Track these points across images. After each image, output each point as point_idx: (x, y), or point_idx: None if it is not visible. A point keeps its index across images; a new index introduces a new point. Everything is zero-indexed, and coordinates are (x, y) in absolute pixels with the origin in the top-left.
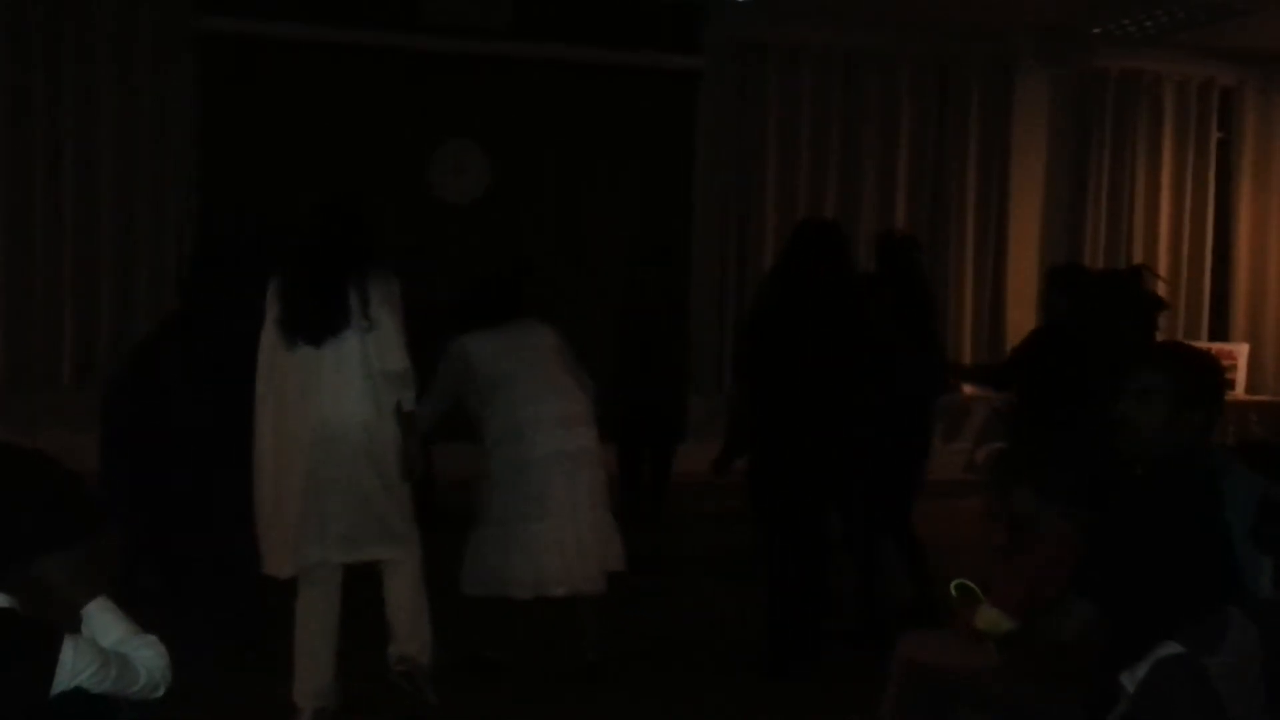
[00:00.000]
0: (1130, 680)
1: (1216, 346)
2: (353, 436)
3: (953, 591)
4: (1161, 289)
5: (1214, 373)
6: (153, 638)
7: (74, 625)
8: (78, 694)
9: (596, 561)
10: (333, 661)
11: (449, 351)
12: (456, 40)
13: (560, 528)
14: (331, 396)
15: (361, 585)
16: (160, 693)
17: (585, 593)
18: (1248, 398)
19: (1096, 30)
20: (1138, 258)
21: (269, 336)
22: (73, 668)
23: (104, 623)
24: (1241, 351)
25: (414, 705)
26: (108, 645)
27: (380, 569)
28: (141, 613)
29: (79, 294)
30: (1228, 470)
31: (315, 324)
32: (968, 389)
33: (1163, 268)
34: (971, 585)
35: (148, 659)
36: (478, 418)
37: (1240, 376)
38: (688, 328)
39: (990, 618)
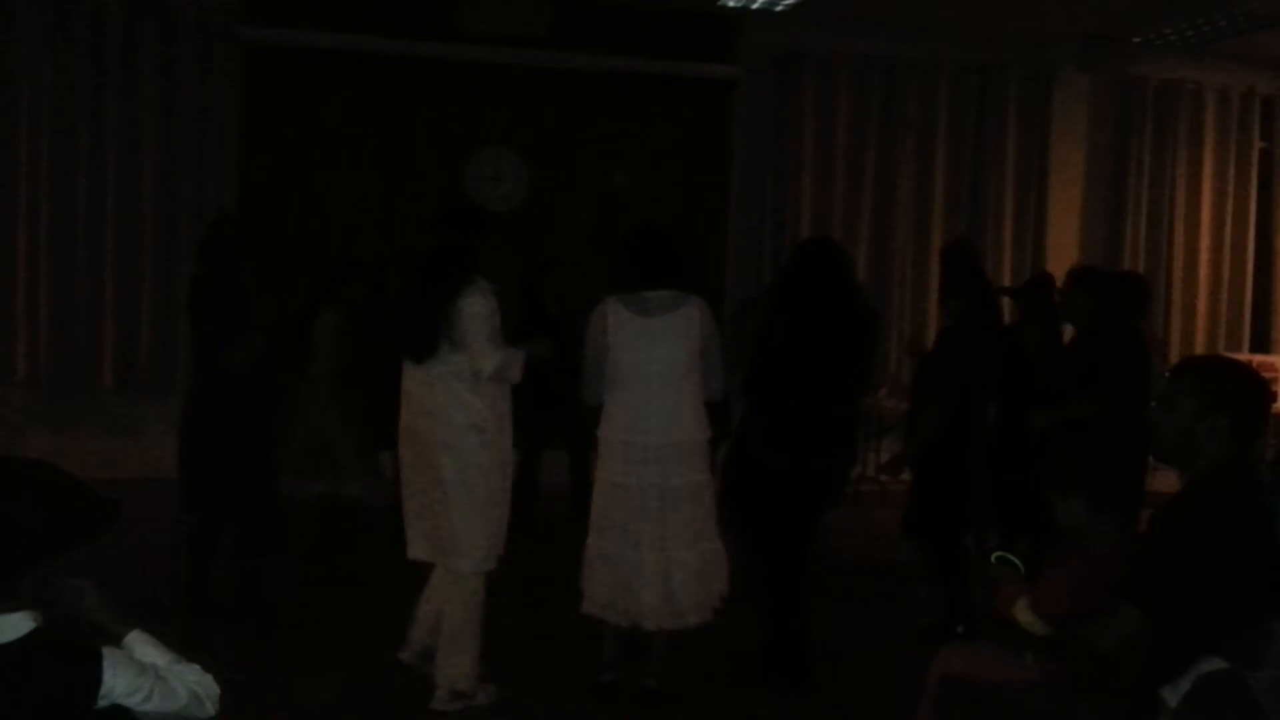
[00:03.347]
0: (1173, 695)
1: (1258, 358)
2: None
3: (993, 560)
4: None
5: (1243, 380)
6: (196, 666)
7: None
8: (118, 712)
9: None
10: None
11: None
12: (495, 50)
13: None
14: (429, 403)
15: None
16: (208, 712)
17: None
18: None
19: (1137, 39)
20: (1178, 268)
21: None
22: (111, 684)
23: (148, 653)
24: None
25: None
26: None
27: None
28: None
29: (121, 300)
30: (1277, 486)
31: (417, 346)
32: None
33: (1203, 278)
34: (1012, 558)
35: (190, 681)
36: None
37: None
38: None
39: (1027, 618)
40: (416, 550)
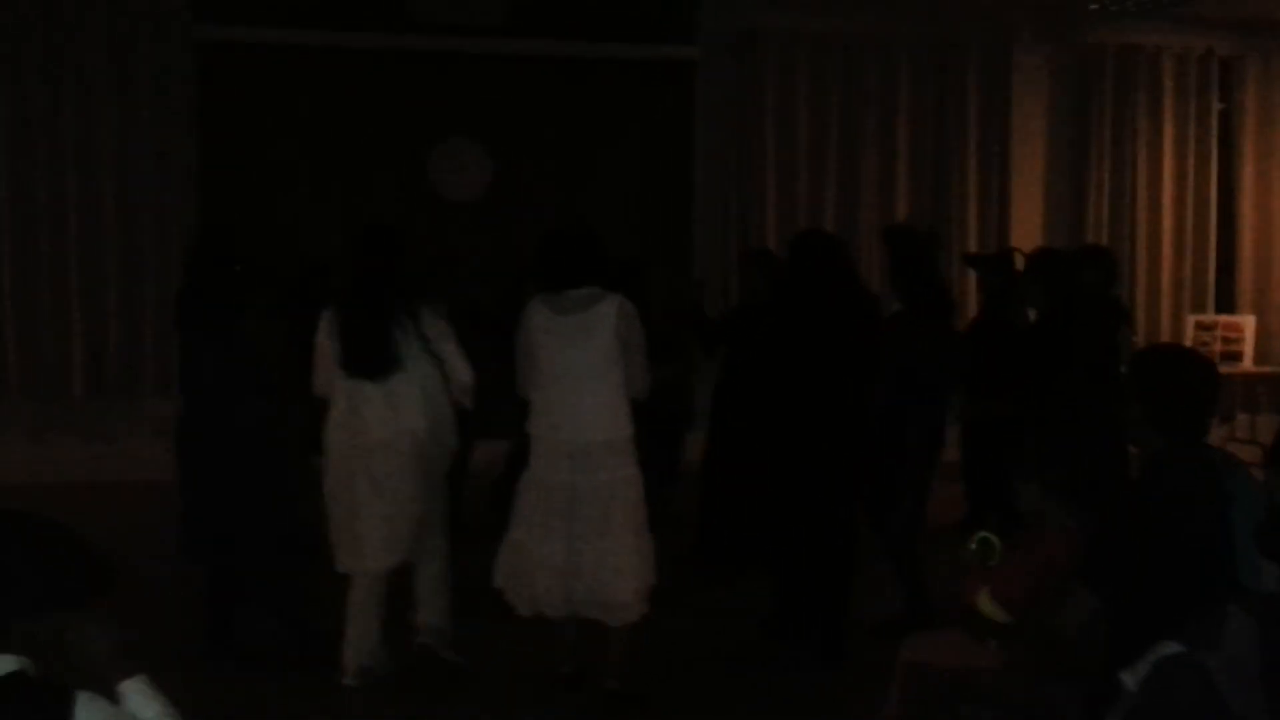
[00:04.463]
0: (1132, 679)
1: (1223, 319)
2: (402, 447)
3: (972, 545)
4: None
5: (1180, 369)
6: None
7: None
8: None
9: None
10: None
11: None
12: (451, 39)
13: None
14: (382, 410)
15: None
16: None
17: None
18: (1256, 370)
19: (1094, 5)
20: (1141, 232)
21: (326, 358)
22: None
23: (138, 703)
24: (1248, 323)
25: (444, 669)
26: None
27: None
28: None
29: (86, 304)
30: (1234, 470)
31: (373, 365)
32: None
33: (1167, 241)
34: (993, 540)
35: None
36: None
37: (1248, 349)
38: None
39: (989, 607)
40: (386, 560)
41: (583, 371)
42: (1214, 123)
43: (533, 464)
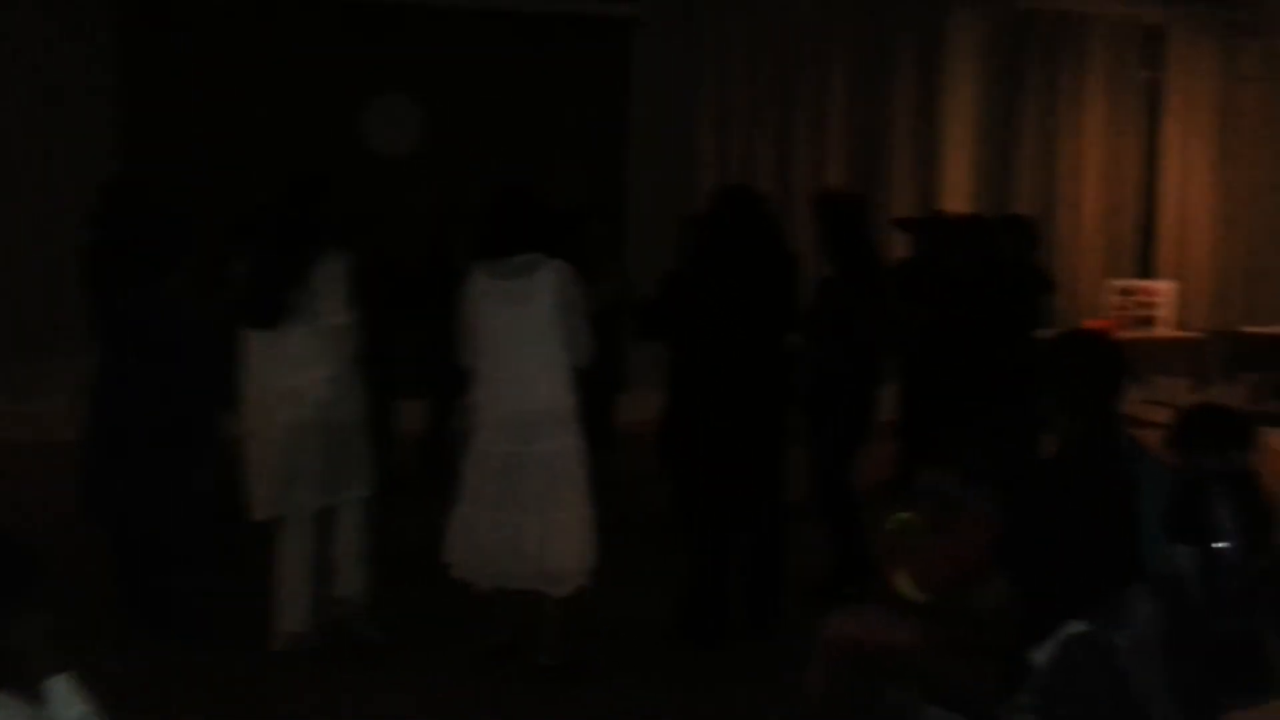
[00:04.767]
0: (1040, 657)
1: (1143, 284)
2: (304, 396)
3: (891, 525)
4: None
5: (1086, 354)
6: None
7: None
8: None
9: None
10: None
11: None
12: None
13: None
14: (279, 360)
15: None
16: None
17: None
18: (1173, 334)
19: None
20: (1065, 196)
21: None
22: None
23: (61, 703)
24: (1167, 289)
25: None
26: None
27: (332, 514)
28: None
29: (4, 259)
30: (1141, 455)
31: (260, 315)
32: None
33: (1091, 207)
34: (913, 520)
35: None
36: None
37: (1165, 314)
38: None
39: (908, 588)
40: (316, 500)
41: (524, 339)
42: (1139, 91)
43: (475, 434)
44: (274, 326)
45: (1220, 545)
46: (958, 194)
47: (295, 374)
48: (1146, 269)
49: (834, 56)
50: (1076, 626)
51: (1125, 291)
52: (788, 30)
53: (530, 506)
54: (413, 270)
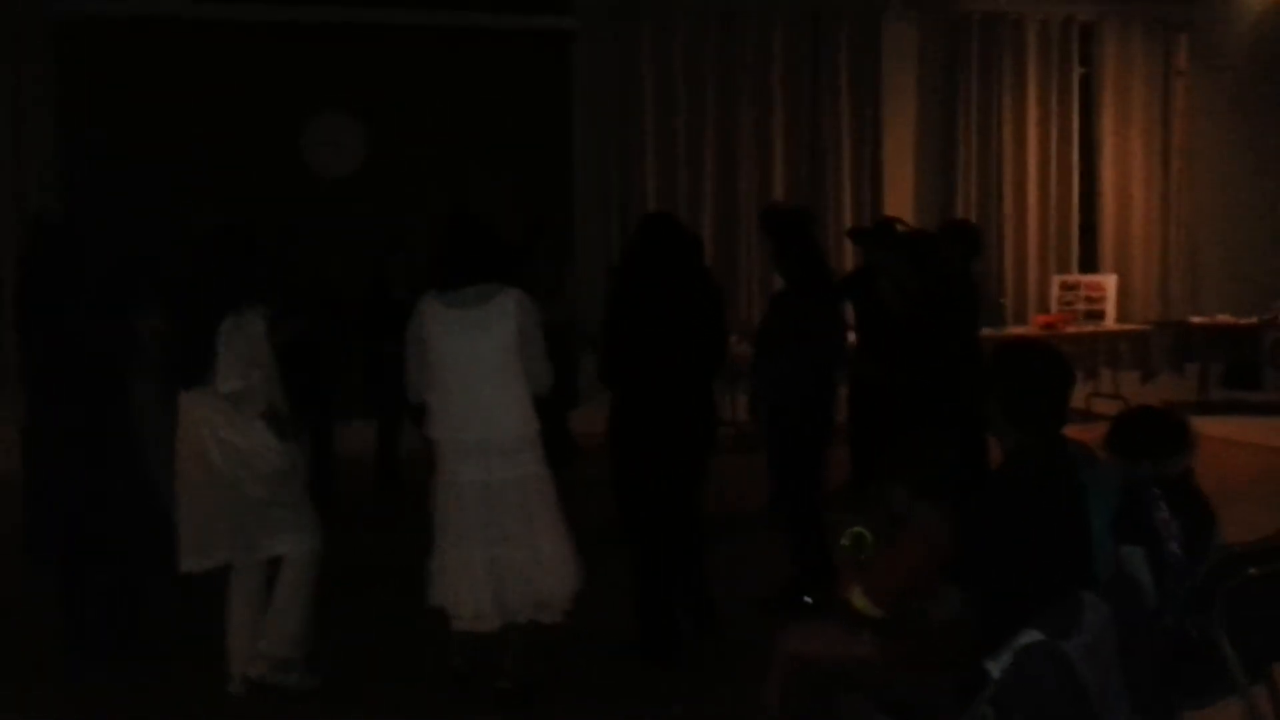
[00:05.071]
0: (995, 667)
1: (1086, 279)
2: (214, 454)
3: (845, 541)
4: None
5: (1029, 364)
6: None
7: None
8: None
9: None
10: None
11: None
12: (322, 9)
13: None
14: (196, 421)
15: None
16: None
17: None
18: (1118, 328)
19: None
20: (1008, 195)
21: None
22: None
23: None
24: (1110, 282)
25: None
26: None
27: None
28: None
29: None
30: (1089, 462)
31: (181, 375)
32: None
33: (1032, 203)
34: (865, 536)
35: None
36: None
37: (1110, 307)
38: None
39: (861, 603)
40: (233, 556)
41: (485, 369)
42: (1075, 87)
43: (441, 469)
44: (184, 387)
45: (1164, 549)
46: (901, 199)
47: (199, 432)
48: (1089, 263)
49: (775, 63)
50: (1030, 636)
51: (1069, 286)
52: (728, 38)
53: (515, 538)
54: (359, 293)
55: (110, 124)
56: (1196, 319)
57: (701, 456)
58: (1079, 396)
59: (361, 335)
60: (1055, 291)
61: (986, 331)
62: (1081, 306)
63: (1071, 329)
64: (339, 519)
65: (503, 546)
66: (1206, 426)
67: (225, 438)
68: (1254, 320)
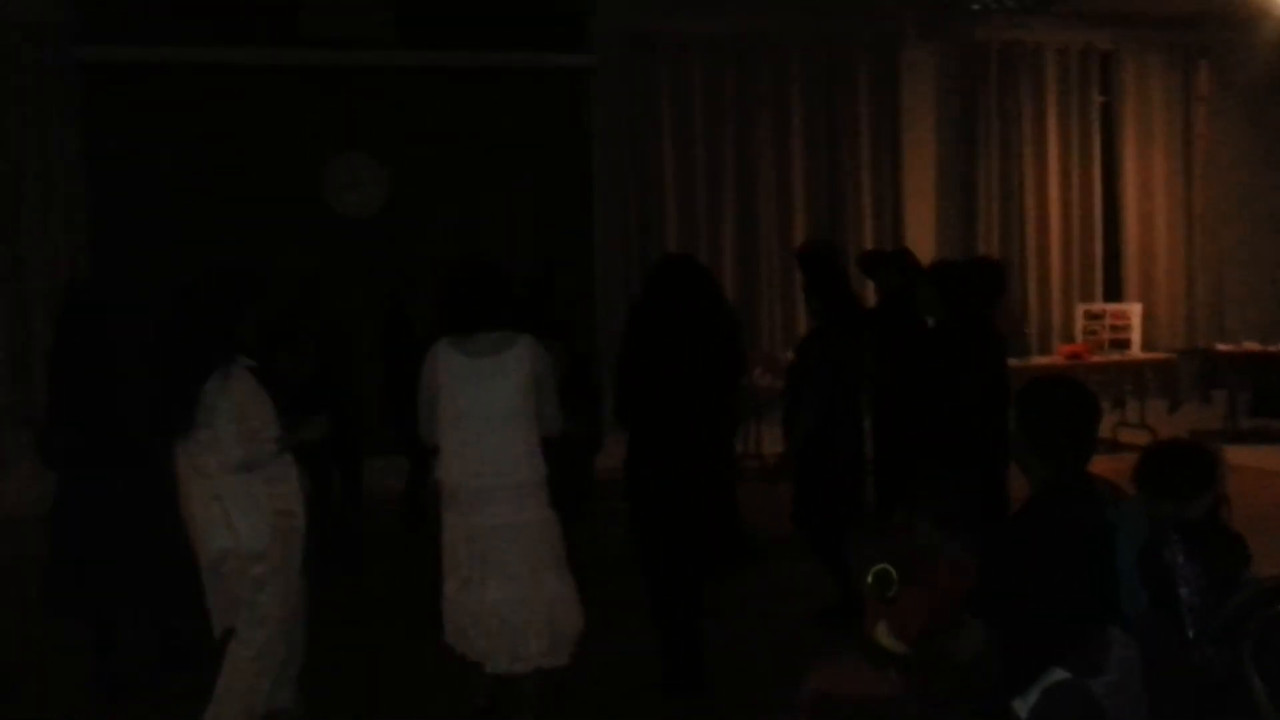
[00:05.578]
0: (1023, 707)
1: (1111, 308)
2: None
3: (869, 578)
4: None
5: (1057, 401)
6: None
7: None
8: None
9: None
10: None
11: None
12: (341, 53)
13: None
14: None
15: None
16: None
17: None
18: (1143, 356)
19: (975, 6)
20: (1030, 224)
21: None
22: None
23: None
24: (1135, 311)
25: None
26: None
27: None
28: None
29: None
30: (1117, 500)
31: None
32: None
33: (1055, 233)
34: (890, 573)
35: None
36: None
37: (1135, 335)
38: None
39: (887, 640)
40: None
41: (497, 415)
42: (1095, 115)
43: (450, 512)
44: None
45: (1181, 592)
46: (922, 230)
47: (184, 496)
48: (1113, 292)
49: (793, 95)
50: (1057, 674)
51: (1094, 315)
52: (745, 72)
53: (524, 581)
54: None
55: (138, 167)
56: (1222, 347)
57: (716, 490)
58: (1105, 426)
59: (385, 372)
60: (1080, 321)
61: (1012, 362)
62: (1106, 335)
63: (1097, 358)
64: (367, 554)
65: (508, 589)
66: (1234, 455)
67: (186, 508)
68: None
